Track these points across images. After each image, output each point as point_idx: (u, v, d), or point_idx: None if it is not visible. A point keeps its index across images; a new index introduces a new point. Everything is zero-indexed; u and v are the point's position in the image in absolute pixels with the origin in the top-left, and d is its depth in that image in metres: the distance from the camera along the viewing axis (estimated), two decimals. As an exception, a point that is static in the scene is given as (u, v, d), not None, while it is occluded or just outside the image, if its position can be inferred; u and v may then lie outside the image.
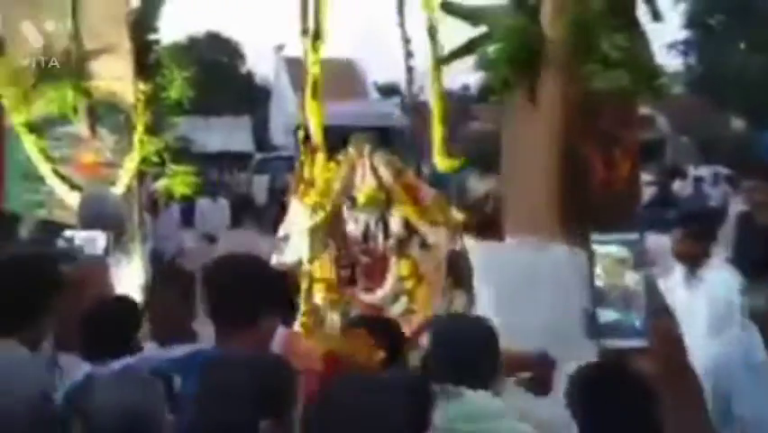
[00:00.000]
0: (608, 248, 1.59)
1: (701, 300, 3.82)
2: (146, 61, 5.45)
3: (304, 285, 4.41)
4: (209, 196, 11.66)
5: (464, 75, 7.60)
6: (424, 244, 4.60)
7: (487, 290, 7.12)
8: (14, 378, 1.49)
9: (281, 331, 2.54)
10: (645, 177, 10.21)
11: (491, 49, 6.16)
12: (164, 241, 10.32)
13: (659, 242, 6.27)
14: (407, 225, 4.60)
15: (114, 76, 5.23)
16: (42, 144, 5.06)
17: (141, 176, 5.38)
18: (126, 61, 5.29)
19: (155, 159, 5.34)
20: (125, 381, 1.71)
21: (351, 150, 4.79)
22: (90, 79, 5.15)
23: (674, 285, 3.93)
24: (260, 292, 2.43)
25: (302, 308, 4.29)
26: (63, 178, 5.06)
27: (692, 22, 30.35)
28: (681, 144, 21.92)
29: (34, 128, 5.07)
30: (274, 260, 4.83)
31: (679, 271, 3.97)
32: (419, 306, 4.48)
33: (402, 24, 5.57)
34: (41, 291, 2.10)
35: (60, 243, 2.90)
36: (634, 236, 1.61)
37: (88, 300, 2.55)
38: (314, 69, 5.21)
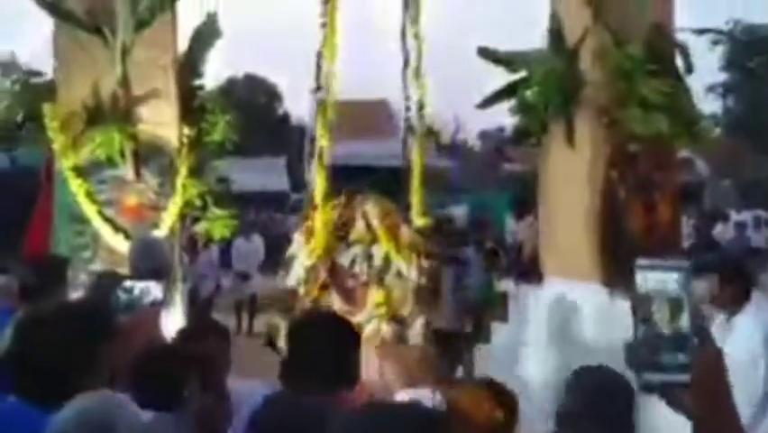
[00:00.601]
0: (658, 277, 1.54)
1: (727, 350, 3.67)
2: (190, 106, 5.58)
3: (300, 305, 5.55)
4: (244, 235, 11.78)
5: (499, 116, 7.71)
6: (398, 274, 5.60)
7: (526, 332, 7.06)
8: (117, 421, 1.54)
9: None
10: (684, 220, 10.06)
11: (529, 92, 6.22)
12: (202, 280, 10.45)
13: (702, 288, 6.17)
14: (386, 259, 5.58)
15: (160, 120, 5.34)
16: (89, 187, 5.16)
17: (182, 218, 5.47)
18: (172, 106, 5.41)
19: (197, 202, 5.43)
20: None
21: (343, 197, 5.81)
22: (136, 124, 5.26)
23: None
24: (348, 355, 2.36)
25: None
26: (108, 220, 5.15)
27: (730, 64, 30.14)
28: (721, 187, 21.62)
29: (81, 172, 5.18)
30: (280, 277, 5.92)
31: (717, 318, 3.85)
32: (386, 328, 5.47)
33: (405, 88, 6.24)
34: (95, 340, 2.11)
35: (120, 293, 2.93)
36: (682, 263, 1.54)
37: (139, 346, 2.56)
38: (323, 140, 5.84)
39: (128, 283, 2.96)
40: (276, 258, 12.37)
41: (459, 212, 14.79)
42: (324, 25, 5.70)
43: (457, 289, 9.24)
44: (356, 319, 5.31)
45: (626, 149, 5.69)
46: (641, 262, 1.54)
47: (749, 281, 4.06)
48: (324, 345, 2.31)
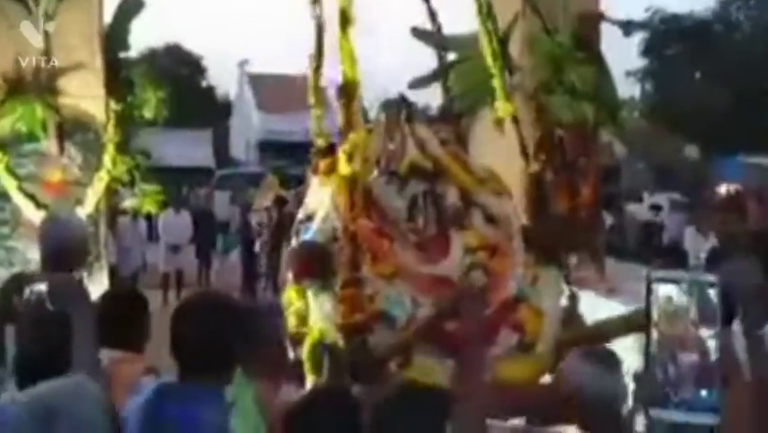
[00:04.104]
0: (667, 289, 1.27)
1: None
2: (117, 79, 5.43)
3: (343, 257, 3.64)
4: (173, 208, 11.56)
5: (427, 96, 7.74)
6: (489, 219, 3.83)
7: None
8: (61, 411, 1.55)
9: None
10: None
11: (461, 76, 6.30)
12: (126, 255, 10.22)
13: (621, 268, 6.43)
14: (464, 197, 3.84)
15: (85, 93, 5.18)
16: (9, 162, 4.97)
17: (108, 194, 5.34)
18: (97, 78, 5.25)
19: (125, 178, 5.31)
20: None
21: (382, 116, 4.05)
22: (60, 96, 5.08)
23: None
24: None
25: (343, 277, 3.60)
26: (29, 196, 4.98)
27: (649, 51, 31.14)
28: (637, 170, 22.38)
29: (1, 145, 4.98)
30: (294, 243, 4.34)
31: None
32: (498, 280, 3.70)
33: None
34: None
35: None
36: (704, 276, 1.23)
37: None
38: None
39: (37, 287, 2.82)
40: (202, 236, 12.23)
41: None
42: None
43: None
44: (443, 269, 3.70)
45: (553, 134, 5.84)
46: (656, 274, 1.29)
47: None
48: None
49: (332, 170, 3.96)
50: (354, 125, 3.65)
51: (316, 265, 3.79)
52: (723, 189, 4.16)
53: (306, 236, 3.98)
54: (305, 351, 3.75)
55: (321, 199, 4.04)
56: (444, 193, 3.83)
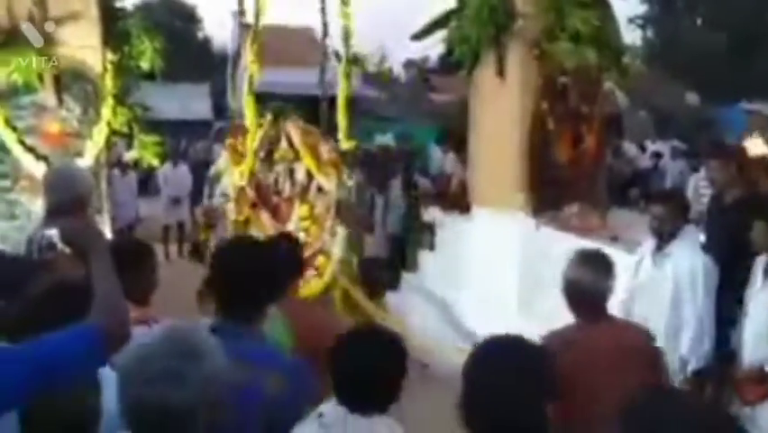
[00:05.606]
0: None
1: (667, 274, 3.85)
2: (113, 29, 5.34)
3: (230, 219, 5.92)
4: (171, 161, 11.54)
5: (424, 46, 7.65)
6: (320, 190, 5.91)
7: (453, 259, 7.20)
8: (206, 349, 1.54)
9: None
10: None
11: (463, 23, 6.21)
12: (120, 208, 10.18)
13: (623, 216, 6.41)
14: (308, 175, 5.92)
15: (82, 43, 5.09)
16: (7, 114, 4.90)
17: (107, 147, 5.30)
18: (93, 28, 5.16)
19: (125, 129, 5.26)
20: None
21: (269, 117, 6.04)
22: (56, 46, 4.98)
23: (642, 259, 3.97)
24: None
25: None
26: (29, 148, 4.93)
27: (651, -4, 30.70)
28: (638, 118, 22.21)
29: (-1, 97, 4.91)
30: (205, 201, 6.42)
31: (648, 245, 3.97)
32: (312, 239, 5.83)
33: (323, 10, 6.34)
34: None
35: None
36: None
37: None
38: (252, 67, 6.23)
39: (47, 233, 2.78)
40: (199, 188, 12.21)
41: (385, 141, 14.76)
42: None
43: (384, 217, 9.28)
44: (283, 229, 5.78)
45: (556, 81, 5.78)
46: None
47: (684, 213, 4.00)
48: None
49: (236, 160, 5.96)
50: (247, 157, 5.88)
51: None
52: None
53: (215, 196, 6.17)
54: None
55: (227, 168, 6.11)
56: (297, 171, 5.94)
